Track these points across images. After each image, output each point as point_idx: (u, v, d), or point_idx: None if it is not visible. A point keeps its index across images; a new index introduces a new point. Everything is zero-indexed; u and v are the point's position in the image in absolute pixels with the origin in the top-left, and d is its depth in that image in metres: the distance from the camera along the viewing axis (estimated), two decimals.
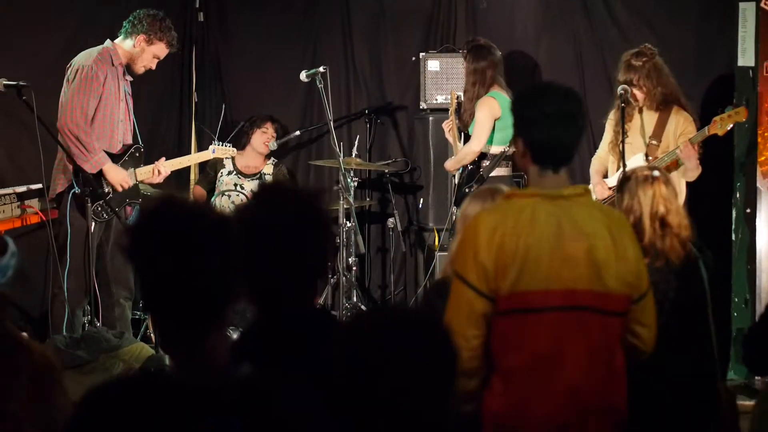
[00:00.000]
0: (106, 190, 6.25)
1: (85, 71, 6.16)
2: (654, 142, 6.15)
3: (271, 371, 2.40)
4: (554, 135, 3.20)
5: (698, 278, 4.30)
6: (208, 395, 2.14)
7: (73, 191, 6.08)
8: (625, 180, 4.39)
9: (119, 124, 6.38)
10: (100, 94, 6.20)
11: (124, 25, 6.41)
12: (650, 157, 6.09)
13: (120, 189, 6.30)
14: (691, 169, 6.02)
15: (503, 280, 3.11)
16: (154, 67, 6.53)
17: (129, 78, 6.50)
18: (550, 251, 3.12)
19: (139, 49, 6.38)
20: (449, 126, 7.05)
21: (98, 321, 6.16)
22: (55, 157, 6.27)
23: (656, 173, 4.32)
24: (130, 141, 6.53)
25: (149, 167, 6.59)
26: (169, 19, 6.53)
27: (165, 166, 6.67)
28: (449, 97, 7.22)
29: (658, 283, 4.14)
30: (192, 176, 8.12)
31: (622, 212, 4.31)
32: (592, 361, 3.16)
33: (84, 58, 6.25)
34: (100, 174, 6.22)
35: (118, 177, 6.28)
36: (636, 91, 6.11)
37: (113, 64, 6.30)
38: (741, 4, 6.62)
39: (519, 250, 3.10)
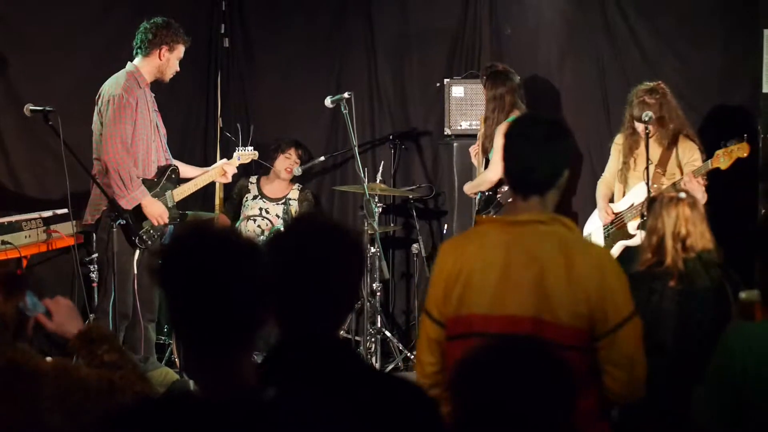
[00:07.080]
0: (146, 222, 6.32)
1: (116, 101, 6.15)
2: (659, 170, 6.16)
3: (297, 394, 2.40)
4: (520, 163, 3.16)
5: (725, 301, 4.27)
6: (236, 417, 2.15)
7: (119, 221, 6.00)
8: (652, 201, 4.43)
9: (152, 145, 6.41)
10: (134, 120, 6.21)
11: (138, 44, 6.40)
12: (654, 185, 6.09)
13: (156, 224, 6.32)
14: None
15: (449, 304, 3.15)
16: (179, 68, 6.54)
17: (152, 94, 6.50)
18: (496, 276, 3.10)
19: (165, 59, 6.41)
20: (476, 150, 7.06)
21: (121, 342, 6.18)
22: (80, 180, 6.28)
23: (682, 195, 4.33)
24: (162, 160, 6.52)
25: (212, 171, 6.80)
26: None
27: (231, 165, 6.93)
28: (474, 122, 7.21)
29: (684, 305, 4.15)
30: (217, 200, 8.13)
31: (647, 232, 4.33)
32: None
33: (113, 87, 6.24)
34: (139, 207, 6.25)
35: (157, 212, 6.31)
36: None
37: (140, 87, 6.31)
38: (765, 31, 6.62)
39: (462, 274, 3.13)
